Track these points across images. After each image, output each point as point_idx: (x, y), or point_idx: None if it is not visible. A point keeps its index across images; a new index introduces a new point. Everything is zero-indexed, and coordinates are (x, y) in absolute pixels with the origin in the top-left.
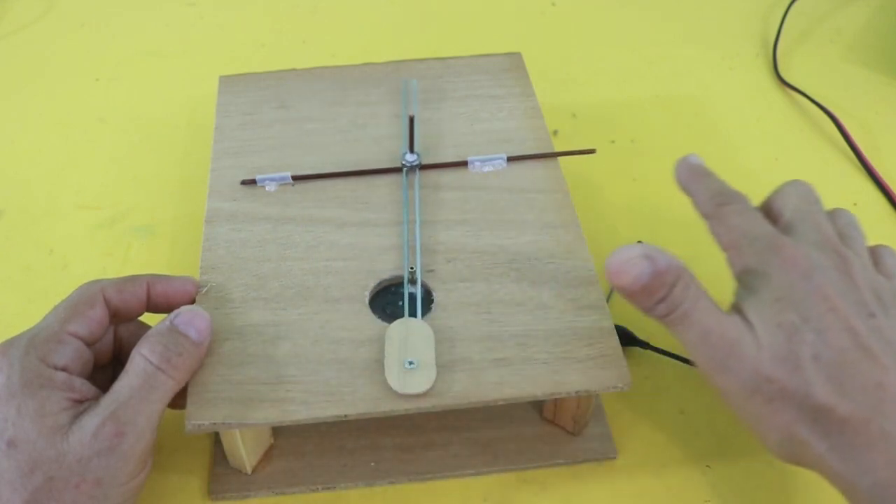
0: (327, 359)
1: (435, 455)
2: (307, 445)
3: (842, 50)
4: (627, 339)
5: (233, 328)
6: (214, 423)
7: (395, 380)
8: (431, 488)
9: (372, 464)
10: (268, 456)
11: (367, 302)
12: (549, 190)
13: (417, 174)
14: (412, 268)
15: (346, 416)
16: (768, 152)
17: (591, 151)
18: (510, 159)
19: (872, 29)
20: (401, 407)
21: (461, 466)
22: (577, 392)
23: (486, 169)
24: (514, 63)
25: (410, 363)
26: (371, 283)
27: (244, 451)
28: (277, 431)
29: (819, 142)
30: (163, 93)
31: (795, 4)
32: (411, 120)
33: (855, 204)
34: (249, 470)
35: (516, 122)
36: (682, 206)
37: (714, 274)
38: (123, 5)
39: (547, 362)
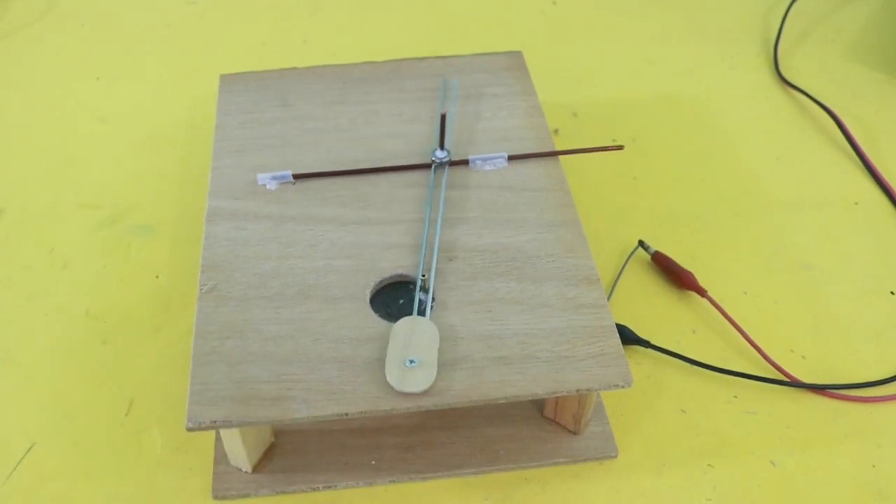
0: (328, 357)
1: (436, 454)
2: (308, 444)
3: (842, 49)
4: (629, 337)
5: (234, 327)
6: (215, 422)
7: (394, 378)
8: (432, 487)
9: (373, 462)
10: (268, 455)
11: (367, 300)
12: (550, 189)
13: (446, 171)
14: (424, 275)
15: (346, 414)
16: (769, 151)
17: (620, 147)
18: (511, 158)
19: (872, 28)
20: (402, 406)
21: (462, 465)
22: (577, 390)
23: (487, 167)
24: (515, 62)
25: (412, 361)
26: (372, 282)
27: (245, 449)
28: (278, 430)
29: (820, 141)
30: (163, 92)
31: (796, 4)
32: (443, 117)
33: (856, 203)
34: (250, 468)
35: (517, 121)
36: (683, 205)
37: (716, 271)
38: (124, 5)
39: (548, 361)
